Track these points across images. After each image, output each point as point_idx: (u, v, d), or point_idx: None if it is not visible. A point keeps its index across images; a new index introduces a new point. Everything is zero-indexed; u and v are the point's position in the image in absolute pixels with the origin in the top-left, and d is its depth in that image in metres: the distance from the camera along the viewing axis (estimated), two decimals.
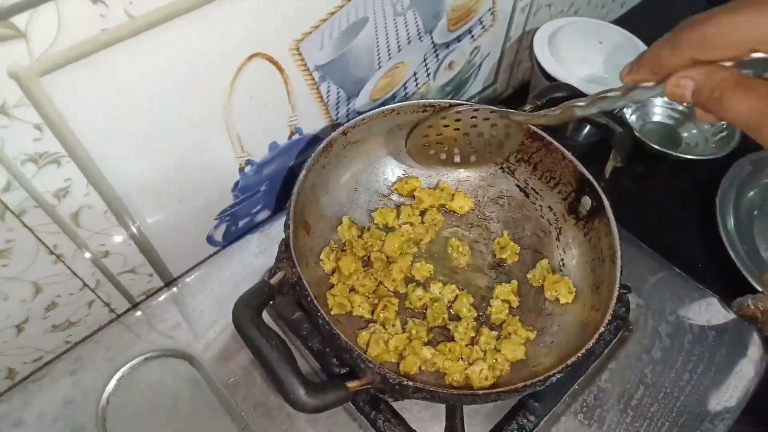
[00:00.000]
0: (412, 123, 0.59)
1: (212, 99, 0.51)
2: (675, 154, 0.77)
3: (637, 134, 0.78)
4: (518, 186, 0.61)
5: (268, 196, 0.67)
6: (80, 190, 0.48)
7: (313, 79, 0.59)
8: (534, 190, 0.60)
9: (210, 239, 0.65)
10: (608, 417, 0.54)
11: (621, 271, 0.48)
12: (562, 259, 0.57)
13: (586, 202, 0.54)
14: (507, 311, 0.54)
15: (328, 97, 0.63)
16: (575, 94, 0.57)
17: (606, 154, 0.57)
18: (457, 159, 0.56)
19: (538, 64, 0.75)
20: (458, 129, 0.54)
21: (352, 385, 0.40)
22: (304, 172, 0.51)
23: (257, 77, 0.53)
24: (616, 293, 0.46)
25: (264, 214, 0.69)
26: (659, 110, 0.88)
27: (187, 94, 0.48)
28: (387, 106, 0.56)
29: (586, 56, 0.74)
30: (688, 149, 0.82)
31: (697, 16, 0.32)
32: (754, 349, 0.57)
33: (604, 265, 0.51)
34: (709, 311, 0.60)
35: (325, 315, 0.43)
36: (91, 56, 0.41)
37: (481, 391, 0.42)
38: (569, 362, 0.43)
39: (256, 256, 0.64)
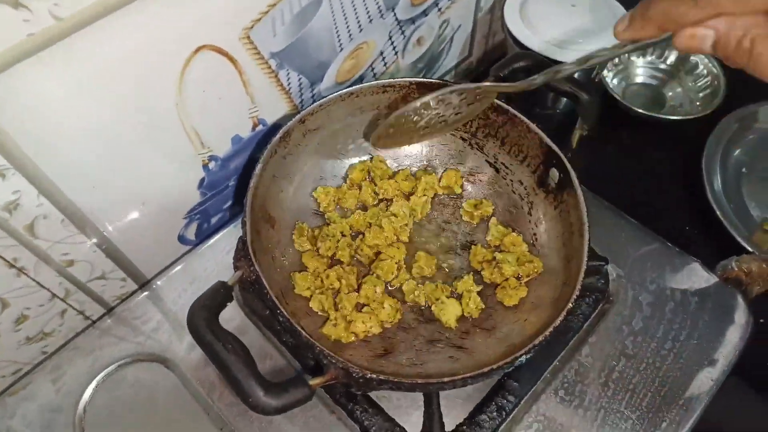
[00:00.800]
0: (373, 105, 0.57)
1: (162, 97, 0.49)
2: (659, 116, 0.75)
3: (619, 99, 0.75)
4: (488, 161, 0.59)
5: (238, 190, 0.66)
6: (31, 201, 0.47)
7: (270, 67, 0.57)
8: (504, 165, 0.58)
9: (181, 238, 0.64)
10: (589, 392, 0.53)
11: (589, 245, 0.46)
12: (535, 234, 0.56)
13: (554, 174, 0.52)
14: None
15: (289, 84, 0.61)
16: (540, 62, 0.54)
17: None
18: (422, 132, 0.54)
19: (510, 33, 0.72)
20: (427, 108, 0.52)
21: (314, 382, 0.40)
22: (260, 165, 0.49)
23: (208, 70, 0.51)
24: (583, 267, 0.45)
25: (236, 209, 0.68)
26: (642, 71, 0.85)
27: (134, 93, 0.47)
28: (344, 90, 0.55)
29: (558, 21, 0.71)
30: (673, 110, 0.80)
31: None
32: (740, 314, 0.56)
33: (574, 238, 0.49)
34: (691, 277, 0.58)
35: (285, 312, 0.42)
36: (21, 63, 0.40)
37: (446, 379, 0.41)
38: (536, 342, 0.42)
39: (228, 252, 0.63)
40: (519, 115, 0.53)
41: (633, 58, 0.85)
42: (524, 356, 0.42)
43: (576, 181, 0.49)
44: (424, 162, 0.61)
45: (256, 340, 0.56)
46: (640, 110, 0.74)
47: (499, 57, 0.89)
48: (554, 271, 0.52)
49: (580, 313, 0.55)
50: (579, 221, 0.48)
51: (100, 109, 0.46)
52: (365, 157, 0.61)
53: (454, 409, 0.51)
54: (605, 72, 0.80)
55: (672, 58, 0.83)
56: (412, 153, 0.62)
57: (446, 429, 0.49)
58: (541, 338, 0.42)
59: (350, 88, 0.54)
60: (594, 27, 0.69)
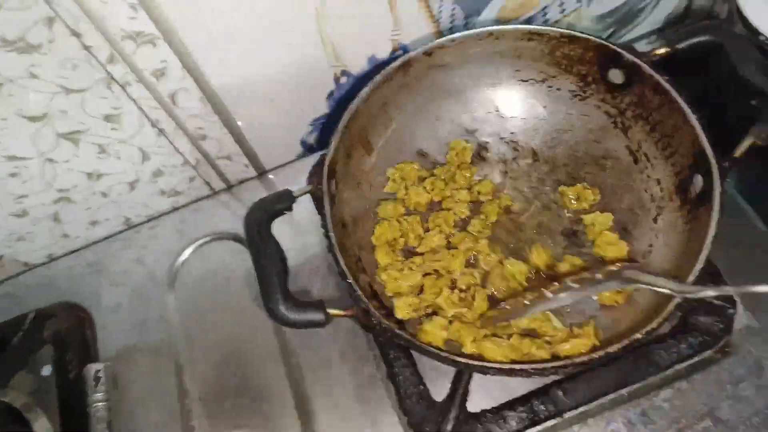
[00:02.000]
0: (514, 52, 0.51)
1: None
2: None
3: None
4: (629, 148, 0.50)
5: None
6: (176, 73, 0.52)
7: None
8: (646, 156, 0.49)
9: (303, 143, 0.67)
10: None
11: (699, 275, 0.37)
12: (651, 245, 0.47)
13: (698, 182, 0.42)
14: None
15: (440, 11, 0.57)
16: (735, 41, 0.43)
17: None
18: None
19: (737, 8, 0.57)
20: None
21: (333, 312, 0.40)
22: (368, 87, 0.48)
23: None
24: (676, 300, 0.37)
25: None
26: None
27: None
28: (483, 29, 0.50)
29: None
30: None
31: None
32: None
33: (688, 265, 0.40)
34: None
35: (333, 237, 0.42)
36: None
37: (460, 357, 0.38)
38: (578, 360, 0.36)
39: None
40: (679, 99, 0.43)
41: None
42: (567, 367, 0.37)
43: (718, 200, 0.39)
44: (552, 135, 0.54)
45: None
46: None
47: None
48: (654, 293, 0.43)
49: (674, 350, 0.46)
50: (700, 246, 0.39)
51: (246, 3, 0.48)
52: (491, 109, 0.55)
53: (485, 395, 0.48)
54: None
55: None
56: (542, 117, 0.54)
57: (471, 410, 0.47)
58: (597, 354, 0.36)
59: (490, 28, 0.49)
60: None
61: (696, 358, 0.46)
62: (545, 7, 0.61)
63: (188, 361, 0.55)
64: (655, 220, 0.47)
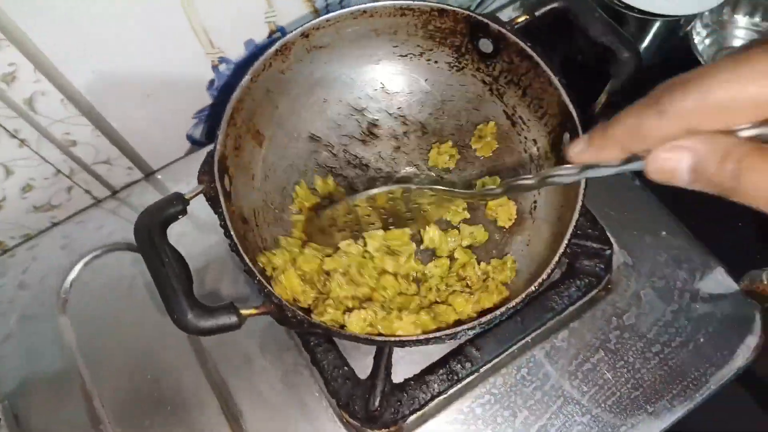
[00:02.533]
0: (390, 28, 0.52)
1: None
2: None
3: (703, 63, 0.64)
4: (506, 113, 0.53)
5: None
6: (28, 76, 0.47)
7: None
8: (521, 119, 0.52)
9: (189, 137, 0.64)
10: (553, 377, 0.49)
11: (575, 225, 0.41)
12: (535, 202, 0.51)
13: (567, 140, 0.46)
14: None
15: None
16: (582, 6, 0.46)
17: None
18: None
19: None
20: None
21: (246, 312, 0.39)
22: (248, 76, 0.47)
23: None
24: (561, 250, 0.40)
25: None
26: (743, 33, 0.71)
27: None
28: (357, 7, 0.49)
29: None
30: None
31: (689, 74, 0.24)
32: (752, 335, 0.49)
33: (568, 215, 0.44)
34: (708, 282, 0.51)
35: (234, 236, 0.41)
36: None
37: (379, 337, 0.40)
38: (484, 319, 0.39)
39: None
40: (543, 64, 0.46)
41: (736, 15, 0.71)
42: (466, 331, 0.39)
43: None
44: (437, 106, 0.56)
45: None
46: None
47: None
48: (544, 245, 0.47)
49: (566, 294, 0.50)
50: (576, 197, 0.42)
51: None
52: (377, 86, 0.56)
53: (407, 365, 0.50)
54: (698, 28, 0.68)
55: None
56: (425, 90, 0.56)
57: (395, 381, 0.49)
58: (490, 316, 0.39)
59: (363, 6, 0.49)
60: None
61: (585, 299, 0.51)
62: None
63: (95, 385, 0.52)
64: None
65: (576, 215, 0.41)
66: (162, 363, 0.53)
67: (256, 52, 0.58)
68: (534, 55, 0.46)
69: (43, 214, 0.60)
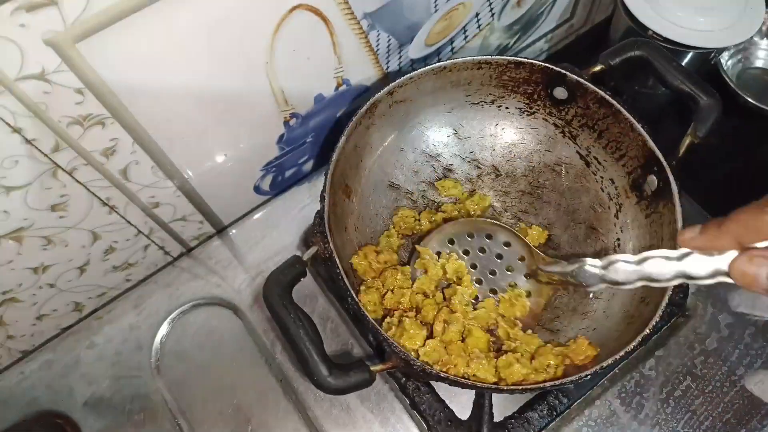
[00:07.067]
0: (465, 80, 0.54)
1: (253, 56, 0.49)
2: None
3: (732, 86, 0.68)
4: (579, 153, 0.56)
5: (314, 147, 0.66)
6: (127, 149, 0.49)
7: (361, 28, 0.55)
8: (596, 159, 0.55)
9: (257, 189, 0.65)
10: (647, 406, 0.52)
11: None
12: (618, 239, 0.53)
13: (652, 181, 0.49)
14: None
15: (378, 45, 0.58)
16: (658, 56, 0.49)
17: (686, 122, 0.49)
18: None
19: (623, 5, 0.66)
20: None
21: (376, 368, 0.41)
22: (344, 137, 0.49)
23: (300, 30, 0.50)
24: (669, 293, 0.43)
25: (311, 164, 0.69)
26: (763, 54, 0.76)
27: (227, 50, 0.47)
28: (438, 64, 0.52)
29: None
30: None
31: None
32: None
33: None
34: None
35: (354, 295, 0.43)
36: (125, 19, 0.40)
37: (504, 386, 0.41)
38: (602, 365, 0.41)
39: (302, 208, 0.64)
40: (623, 110, 0.49)
41: (756, 38, 0.76)
42: (583, 378, 0.41)
43: (677, 195, 0.46)
44: (508, 149, 0.58)
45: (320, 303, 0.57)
46: (753, 101, 0.66)
47: (603, 22, 0.83)
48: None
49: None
50: (672, 239, 0.45)
51: (195, 65, 0.46)
52: (450, 132, 0.59)
53: (505, 402, 0.52)
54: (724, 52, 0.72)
55: None
56: (496, 133, 0.59)
57: (495, 420, 0.50)
58: (610, 360, 0.41)
59: (444, 63, 0.52)
60: (733, 15, 0.61)
61: (666, 326, 0.54)
62: (465, 26, 0.66)
63: None
64: (616, 215, 0.54)
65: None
66: (262, 417, 0.53)
67: (325, 105, 0.60)
68: (615, 103, 0.49)
69: (120, 273, 0.61)
